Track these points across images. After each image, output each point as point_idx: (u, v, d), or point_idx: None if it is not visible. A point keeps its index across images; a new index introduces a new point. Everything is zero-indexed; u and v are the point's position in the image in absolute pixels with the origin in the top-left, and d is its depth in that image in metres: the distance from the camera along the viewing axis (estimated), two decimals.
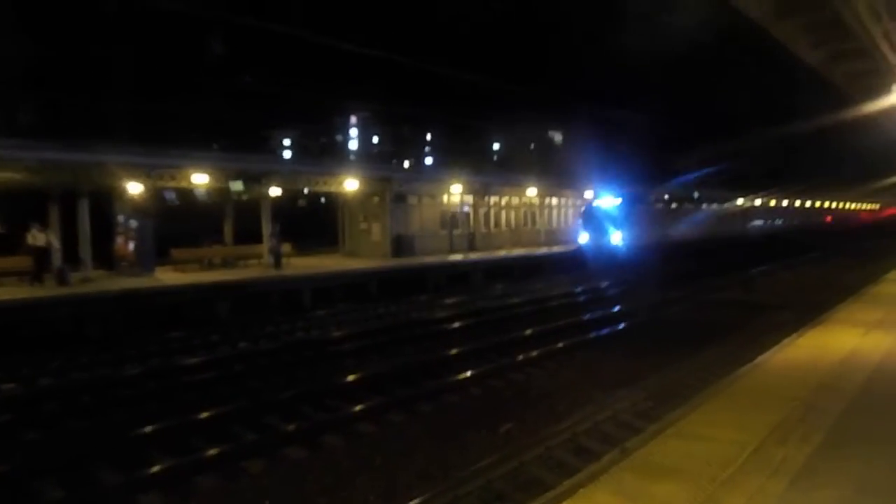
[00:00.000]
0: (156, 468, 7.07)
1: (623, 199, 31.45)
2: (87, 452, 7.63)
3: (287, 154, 60.08)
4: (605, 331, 14.35)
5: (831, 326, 9.47)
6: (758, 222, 51.22)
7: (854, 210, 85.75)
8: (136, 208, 20.78)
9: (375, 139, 74.43)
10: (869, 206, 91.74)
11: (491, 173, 40.71)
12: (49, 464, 7.30)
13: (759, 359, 7.28)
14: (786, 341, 8.32)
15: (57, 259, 17.90)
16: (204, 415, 8.70)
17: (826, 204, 74.09)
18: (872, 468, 4.15)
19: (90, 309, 14.92)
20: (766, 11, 7.87)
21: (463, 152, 62.58)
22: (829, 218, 73.73)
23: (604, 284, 23.07)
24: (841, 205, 79.28)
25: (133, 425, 8.32)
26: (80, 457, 7.50)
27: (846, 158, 49.71)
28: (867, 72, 10.77)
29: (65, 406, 9.51)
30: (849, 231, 65.76)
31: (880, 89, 11.08)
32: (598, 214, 30.69)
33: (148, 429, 8.16)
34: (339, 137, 72.48)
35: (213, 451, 7.56)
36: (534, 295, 20.77)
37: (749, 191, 50.36)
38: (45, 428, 8.71)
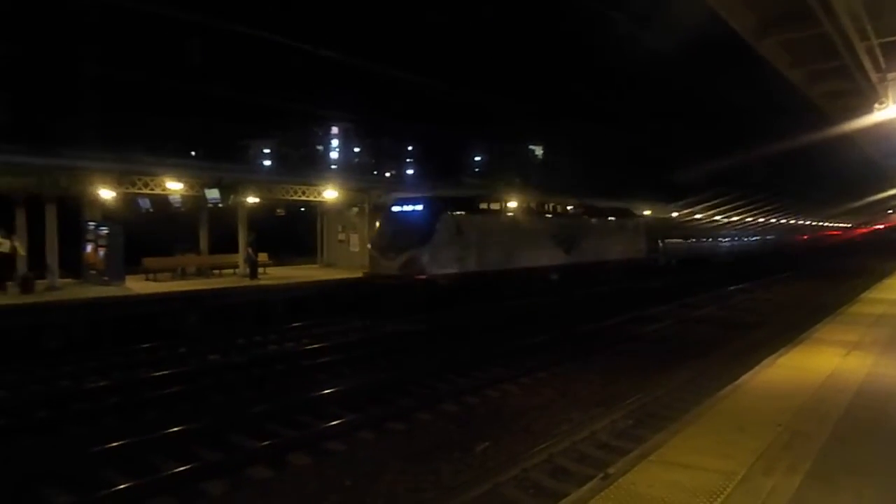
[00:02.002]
0: (111, 490, 6.67)
1: (429, 206, 20.52)
2: (39, 472, 7.19)
3: (267, 163, 59.56)
4: None
5: (810, 347, 9.38)
6: (679, 241, 38.98)
7: (825, 228, 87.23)
8: (107, 215, 20.21)
9: (356, 150, 74.19)
10: (841, 226, 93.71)
11: (470, 185, 40.65)
12: None
13: (740, 380, 7.12)
14: (765, 361, 8.19)
15: (22, 266, 17.28)
16: (165, 432, 8.29)
17: (795, 221, 73.18)
18: (863, 502, 3.96)
19: (54, 318, 14.35)
20: (750, 26, 7.84)
21: (444, 164, 62.68)
22: (805, 236, 74.24)
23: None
24: (811, 223, 79.81)
25: (89, 443, 7.90)
26: (30, 476, 7.05)
27: (822, 178, 49.75)
28: (846, 91, 10.83)
29: (17, 421, 9.03)
30: (818, 250, 65.94)
31: (858, 109, 11.15)
32: (398, 226, 20.45)
33: (105, 447, 7.72)
34: (319, 148, 72.11)
35: (173, 471, 7.18)
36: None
37: (679, 201, 42.30)
38: None
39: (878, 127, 11.00)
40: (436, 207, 20.48)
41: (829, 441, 4.99)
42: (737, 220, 54.33)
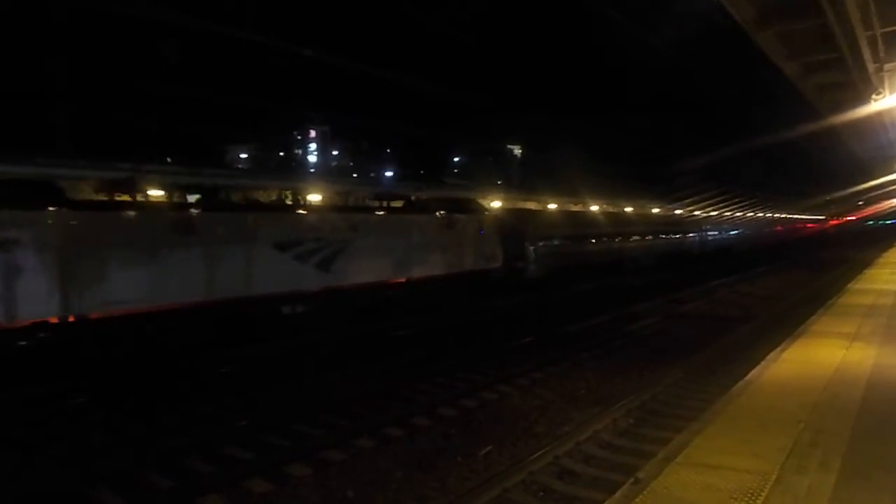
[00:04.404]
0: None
1: None
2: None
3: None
4: None
5: (811, 340, 9.38)
6: (565, 242, 28.28)
7: (795, 221, 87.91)
8: None
9: (335, 153, 73.69)
10: (812, 218, 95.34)
11: (451, 186, 40.46)
12: None
13: (749, 376, 7.05)
14: (771, 356, 8.15)
15: None
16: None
17: (756, 213, 69.33)
18: None
19: None
20: (750, 17, 7.80)
21: (422, 165, 62.51)
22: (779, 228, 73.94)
23: None
24: (778, 215, 78.51)
25: None
26: None
27: (793, 169, 49.74)
28: (839, 84, 10.91)
29: None
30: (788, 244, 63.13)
31: (849, 102, 11.25)
32: None
33: None
34: (298, 152, 71.45)
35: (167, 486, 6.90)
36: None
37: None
38: None
39: (865, 120, 11.09)
40: None
41: (854, 437, 4.91)
42: (663, 213, 44.68)
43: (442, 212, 20.74)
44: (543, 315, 19.00)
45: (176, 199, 16.05)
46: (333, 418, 9.31)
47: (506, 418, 9.40)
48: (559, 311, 19.90)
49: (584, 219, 32.88)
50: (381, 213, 19.84)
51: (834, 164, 34.09)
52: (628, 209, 40.02)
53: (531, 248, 25.44)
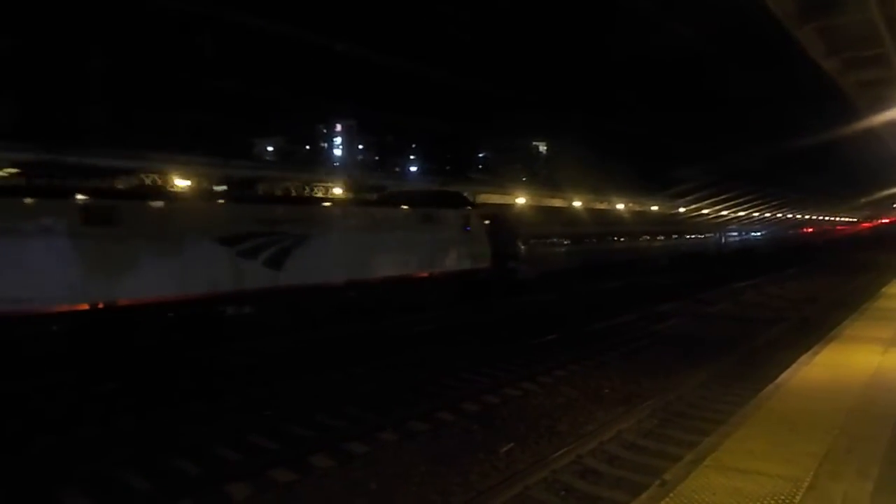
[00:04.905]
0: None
1: None
2: None
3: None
4: None
5: (845, 344, 9.14)
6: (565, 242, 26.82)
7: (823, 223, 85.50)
8: None
9: (360, 147, 74.01)
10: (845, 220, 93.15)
11: (477, 181, 40.35)
12: None
13: (780, 379, 6.89)
14: (802, 359, 7.96)
15: None
16: None
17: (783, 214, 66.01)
18: None
19: None
20: (790, 12, 7.58)
21: (447, 161, 62.46)
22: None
23: None
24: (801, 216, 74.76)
25: None
26: None
27: (824, 169, 48.22)
28: (881, 80, 10.59)
29: None
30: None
31: (891, 99, 10.93)
32: None
33: None
34: (323, 145, 71.89)
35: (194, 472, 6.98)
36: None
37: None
38: None
39: None
40: None
41: (893, 444, 4.75)
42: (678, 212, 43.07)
43: (419, 206, 18.71)
44: (567, 313, 18.88)
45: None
46: (356, 411, 9.36)
47: (529, 415, 9.35)
48: (583, 309, 19.74)
49: (587, 216, 30.46)
50: (345, 205, 17.75)
51: (870, 164, 33.15)
52: (639, 207, 38.80)
53: (524, 247, 23.38)
